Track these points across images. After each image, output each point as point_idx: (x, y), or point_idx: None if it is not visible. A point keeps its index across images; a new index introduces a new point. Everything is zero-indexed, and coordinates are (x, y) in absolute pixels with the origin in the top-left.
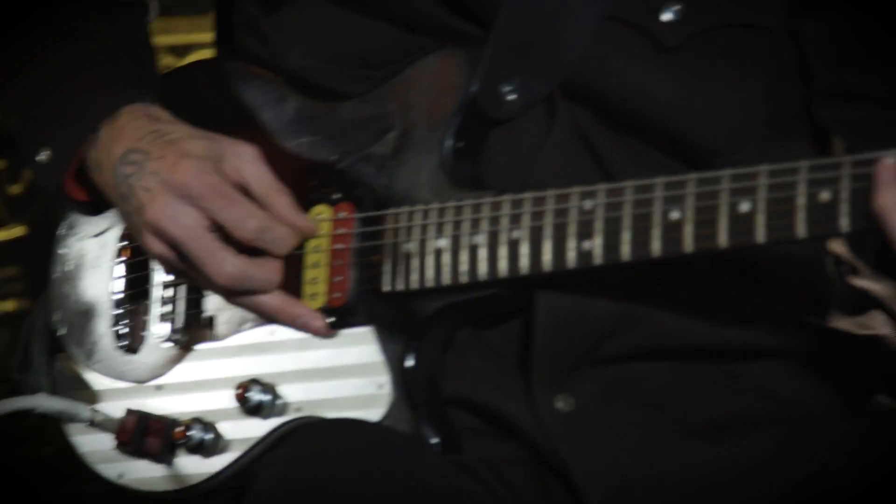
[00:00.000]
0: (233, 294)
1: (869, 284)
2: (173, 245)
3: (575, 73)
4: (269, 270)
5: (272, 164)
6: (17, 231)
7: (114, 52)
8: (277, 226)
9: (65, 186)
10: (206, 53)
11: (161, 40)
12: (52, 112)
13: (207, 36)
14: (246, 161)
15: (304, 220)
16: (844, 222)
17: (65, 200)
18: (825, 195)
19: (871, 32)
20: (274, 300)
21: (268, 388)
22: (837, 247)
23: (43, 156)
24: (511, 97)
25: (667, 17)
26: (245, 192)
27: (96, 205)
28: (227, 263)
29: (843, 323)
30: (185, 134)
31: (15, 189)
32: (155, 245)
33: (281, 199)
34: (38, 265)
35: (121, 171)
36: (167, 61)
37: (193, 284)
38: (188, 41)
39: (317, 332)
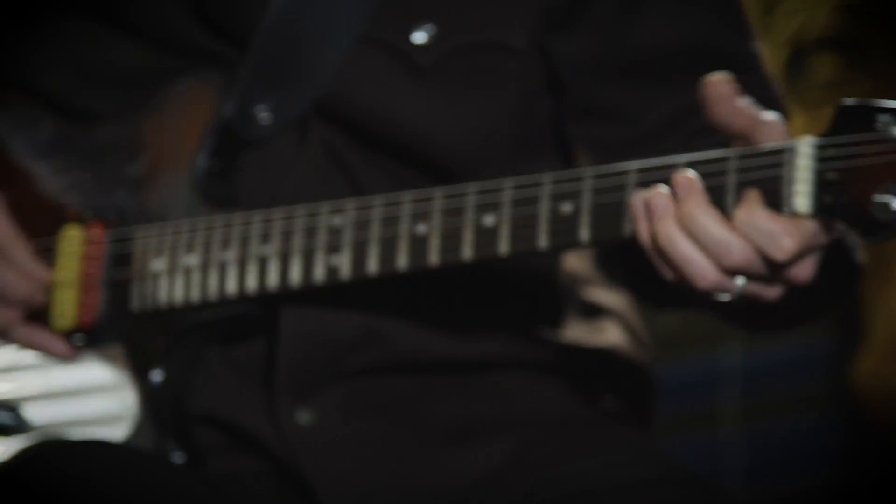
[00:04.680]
0: None
1: (603, 296)
2: None
3: (329, 94)
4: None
5: (24, 188)
6: None
7: None
8: (6, 272)
9: None
10: None
11: None
12: None
13: None
14: None
15: (38, 270)
16: (584, 233)
17: None
18: (567, 207)
19: (620, 52)
20: (15, 332)
21: (9, 408)
22: (574, 261)
23: None
24: (265, 119)
25: (418, 36)
26: None
27: None
28: None
29: (578, 331)
30: None
31: None
32: None
33: (15, 251)
34: None
35: None
36: None
37: None
38: None
39: (59, 356)
